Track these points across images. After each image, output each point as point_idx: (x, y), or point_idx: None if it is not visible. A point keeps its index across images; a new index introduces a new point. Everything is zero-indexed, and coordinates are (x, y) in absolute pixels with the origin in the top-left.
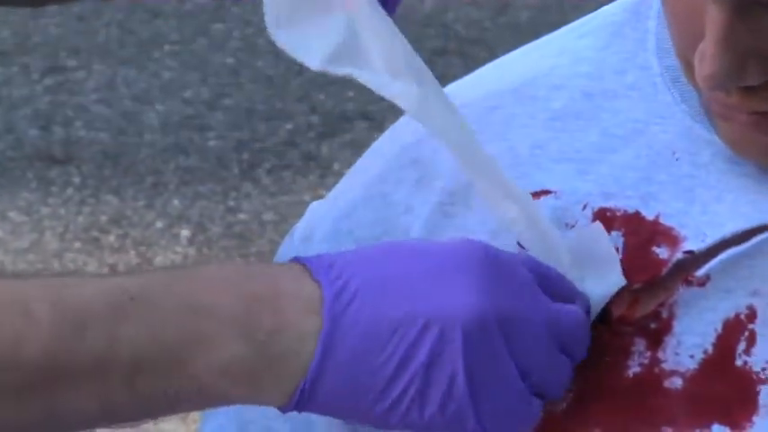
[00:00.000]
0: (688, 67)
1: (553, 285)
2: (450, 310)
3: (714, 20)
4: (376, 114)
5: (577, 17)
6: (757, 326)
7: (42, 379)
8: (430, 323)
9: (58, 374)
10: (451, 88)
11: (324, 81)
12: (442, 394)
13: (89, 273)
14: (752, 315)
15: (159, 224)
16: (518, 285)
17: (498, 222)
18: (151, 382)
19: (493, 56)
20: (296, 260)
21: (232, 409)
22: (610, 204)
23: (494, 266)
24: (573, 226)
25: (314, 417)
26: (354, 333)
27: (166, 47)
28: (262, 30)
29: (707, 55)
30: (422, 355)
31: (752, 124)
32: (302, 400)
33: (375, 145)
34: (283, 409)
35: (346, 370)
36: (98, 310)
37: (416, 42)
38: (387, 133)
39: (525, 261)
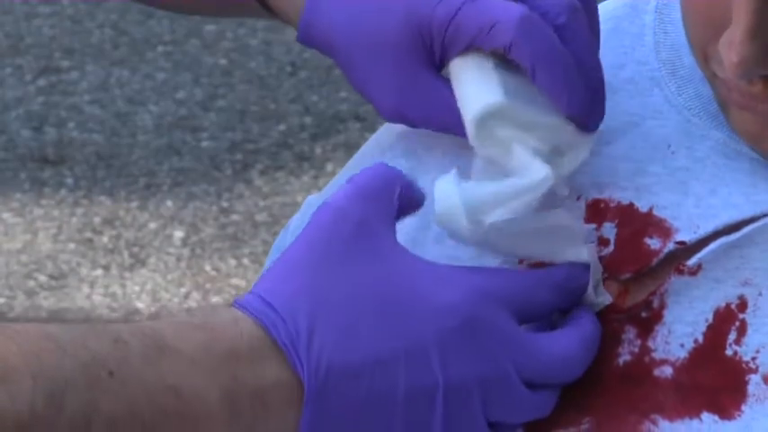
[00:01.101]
0: (704, 58)
1: (542, 314)
2: (430, 386)
3: (744, 7)
4: (369, 115)
5: None
6: (748, 315)
7: None
8: (407, 402)
9: None
10: None
11: (317, 82)
12: None
13: (70, 327)
14: (743, 305)
15: (152, 225)
16: (501, 340)
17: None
18: None
19: None
20: (273, 339)
21: None
22: (604, 196)
23: (476, 328)
24: None
25: None
26: (336, 422)
27: (159, 48)
28: (254, 30)
29: (736, 42)
30: None
31: None
32: None
33: (373, 137)
34: None
35: None
36: (77, 385)
37: None
38: (384, 126)
39: (515, 295)
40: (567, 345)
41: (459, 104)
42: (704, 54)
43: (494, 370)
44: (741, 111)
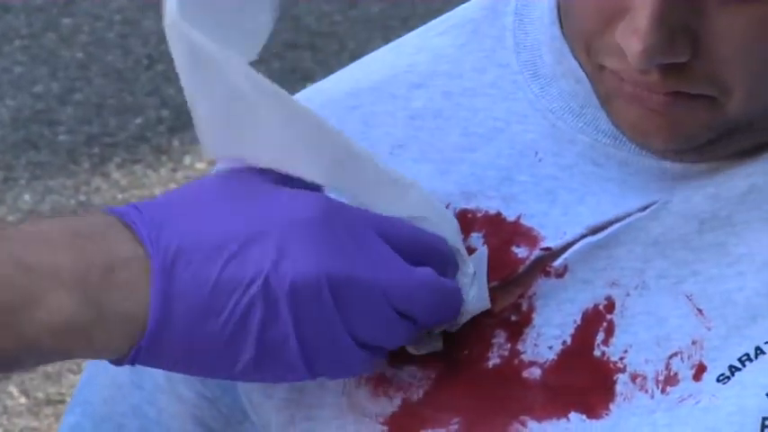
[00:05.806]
0: (587, 51)
1: (410, 248)
2: (279, 274)
3: None
4: None
5: (427, 11)
6: (615, 316)
7: None
8: (258, 288)
9: None
10: (314, 88)
11: (174, 75)
12: (278, 355)
13: None
14: (610, 305)
15: (10, 219)
16: (357, 247)
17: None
18: None
19: (344, 49)
20: (119, 215)
21: (88, 407)
22: (471, 205)
23: (331, 226)
24: None
25: (163, 414)
26: (186, 301)
27: (16, 42)
28: (111, 24)
29: (641, 30)
30: (254, 321)
31: (665, 104)
32: (139, 357)
33: None
34: (118, 362)
35: (183, 335)
36: None
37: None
38: None
39: (377, 222)
40: (427, 274)
41: None
42: (588, 46)
43: (344, 273)
44: (628, 104)
